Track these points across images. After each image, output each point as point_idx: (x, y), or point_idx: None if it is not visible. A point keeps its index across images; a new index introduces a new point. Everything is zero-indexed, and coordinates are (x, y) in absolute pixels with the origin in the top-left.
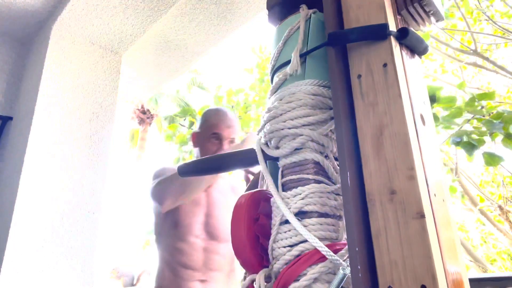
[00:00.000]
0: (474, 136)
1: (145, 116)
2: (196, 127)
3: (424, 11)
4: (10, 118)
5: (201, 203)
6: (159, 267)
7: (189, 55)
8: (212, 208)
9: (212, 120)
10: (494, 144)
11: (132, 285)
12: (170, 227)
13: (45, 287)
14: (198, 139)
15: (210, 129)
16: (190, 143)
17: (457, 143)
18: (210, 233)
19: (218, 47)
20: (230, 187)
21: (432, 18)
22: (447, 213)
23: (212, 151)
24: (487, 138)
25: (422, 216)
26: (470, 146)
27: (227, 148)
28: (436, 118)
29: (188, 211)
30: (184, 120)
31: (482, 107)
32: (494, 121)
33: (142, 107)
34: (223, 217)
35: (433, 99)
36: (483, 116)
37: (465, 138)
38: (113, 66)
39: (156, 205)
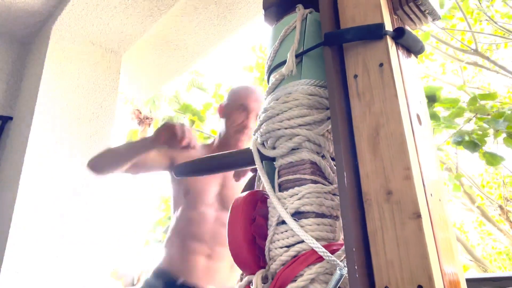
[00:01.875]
0: (478, 133)
1: (144, 116)
2: (193, 127)
3: (420, 10)
4: (10, 118)
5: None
6: (169, 236)
7: (189, 55)
8: (227, 179)
9: (241, 92)
10: (494, 145)
11: (133, 285)
12: (181, 195)
13: (45, 287)
14: (226, 109)
15: (238, 100)
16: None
17: (459, 143)
18: (223, 204)
19: (218, 47)
20: None
21: (429, 17)
22: (444, 213)
23: (237, 123)
24: (488, 139)
25: (418, 216)
26: (473, 145)
27: (251, 125)
28: (437, 118)
29: (201, 178)
30: (184, 118)
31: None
32: (498, 119)
33: (140, 112)
34: (238, 189)
35: (433, 99)
36: (487, 115)
37: (466, 138)
38: (113, 66)
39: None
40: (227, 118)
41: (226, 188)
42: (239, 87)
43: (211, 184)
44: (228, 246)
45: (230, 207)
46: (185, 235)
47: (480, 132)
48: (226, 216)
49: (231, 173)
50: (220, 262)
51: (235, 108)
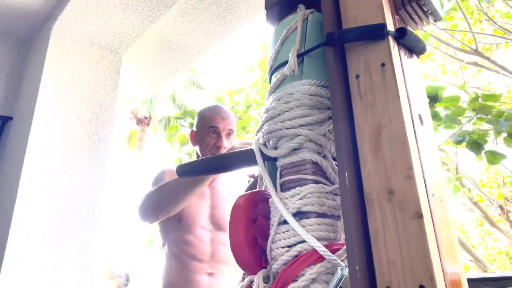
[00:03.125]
0: (478, 133)
1: (142, 116)
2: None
3: (422, 10)
4: (10, 118)
5: (205, 195)
6: (166, 261)
7: (189, 55)
8: (216, 199)
9: (207, 115)
10: (495, 145)
11: (125, 285)
12: (174, 222)
13: (45, 287)
14: (196, 136)
15: (206, 124)
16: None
17: (459, 142)
18: (217, 224)
19: (218, 47)
20: (233, 178)
21: (430, 18)
22: (445, 213)
23: (211, 145)
24: (488, 138)
25: (420, 216)
26: (476, 145)
27: (225, 144)
28: (438, 117)
29: (191, 204)
30: (185, 121)
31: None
32: (500, 119)
33: (137, 115)
34: (228, 208)
35: (435, 98)
36: (488, 115)
37: (467, 138)
38: (113, 66)
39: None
40: (200, 144)
41: (216, 209)
42: (203, 110)
43: (201, 207)
44: (228, 263)
45: (232, 208)
46: (184, 257)
47: (480, 132)
48: (221, 235)
49: (218, 194)
50: (222, 277)
51: (205, 132)
